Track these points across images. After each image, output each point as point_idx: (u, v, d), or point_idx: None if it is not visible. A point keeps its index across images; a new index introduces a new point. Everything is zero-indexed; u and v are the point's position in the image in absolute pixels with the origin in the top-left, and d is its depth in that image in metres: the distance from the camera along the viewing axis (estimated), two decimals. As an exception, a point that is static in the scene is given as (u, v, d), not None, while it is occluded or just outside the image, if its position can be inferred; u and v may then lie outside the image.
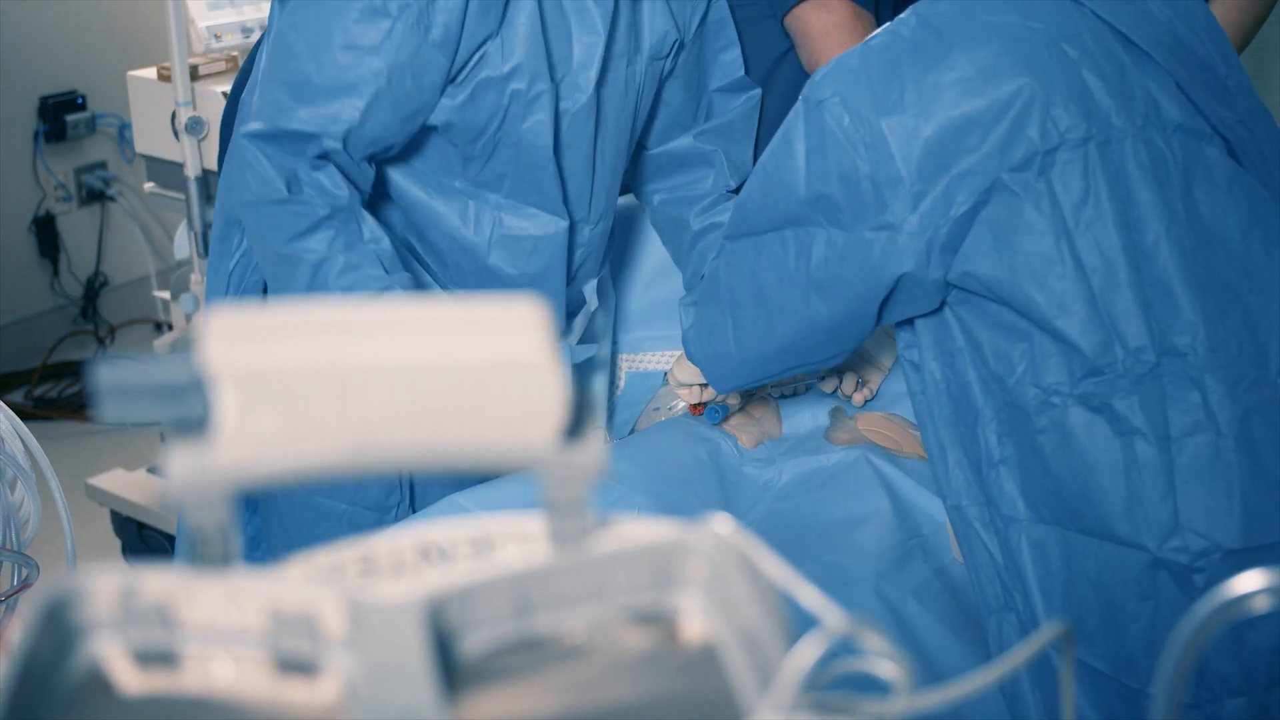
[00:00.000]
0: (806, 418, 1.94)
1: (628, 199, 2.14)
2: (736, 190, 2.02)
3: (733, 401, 1.96)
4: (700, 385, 1.88)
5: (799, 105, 1.53)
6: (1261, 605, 0.68)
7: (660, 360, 2.16)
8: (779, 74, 2.32)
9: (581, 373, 2.02)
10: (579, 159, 1.82)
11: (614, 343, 2.14)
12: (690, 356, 1.76)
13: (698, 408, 1.95)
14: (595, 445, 0.60)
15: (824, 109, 1.48)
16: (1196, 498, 1.37)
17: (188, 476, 0.57)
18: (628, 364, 2.15)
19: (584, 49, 1.76)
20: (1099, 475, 1.42)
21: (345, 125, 1.67)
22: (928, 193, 1.44)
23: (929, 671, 1.54)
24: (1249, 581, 0.68)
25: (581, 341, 2.00)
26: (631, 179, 2.07)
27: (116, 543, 3.06)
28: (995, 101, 1.43)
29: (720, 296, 1.64)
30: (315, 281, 1.69)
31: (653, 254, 2.17)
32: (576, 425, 0.60)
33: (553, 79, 1.74)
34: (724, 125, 2.05)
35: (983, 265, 1.44)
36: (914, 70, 1.45)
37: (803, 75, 2.30)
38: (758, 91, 2.08)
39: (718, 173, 2.04)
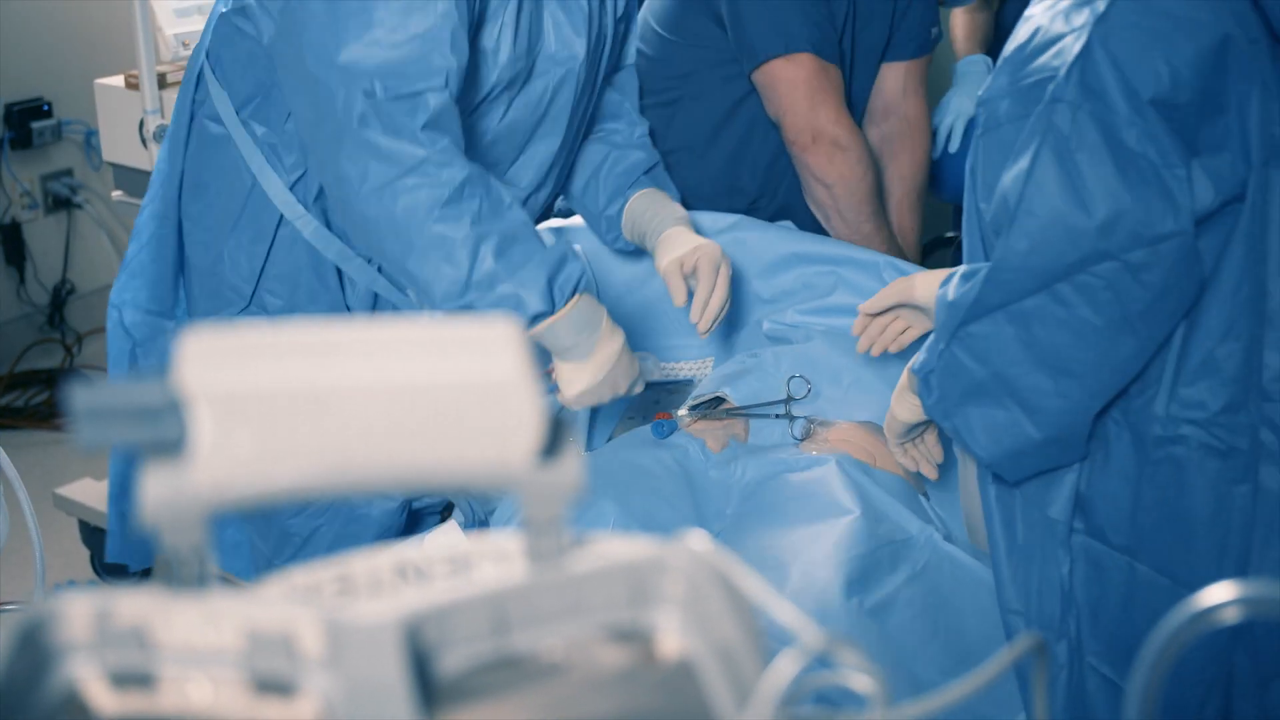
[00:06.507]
0: (776, 433, 1.95)
1: None
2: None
3: (682, 412, 1.96)
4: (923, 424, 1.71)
5: (1037, 127, 1.33)
6: (1232, 616, 0.68)
7: None
8: (734, 120, 2.35)
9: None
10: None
11: None
12: (990, 465, 1.49)
13: (665, 414, 1.96)
14: (571, 464, 0.61)
15: (1083, 112, 1.30)
16: (1259, 547, 1.35)
17: (164, 498, 0.56)
18: None
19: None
20: (1204, 524, 1.36)
21: (444, 72, 1.65)
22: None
23: (899, 680, 1.55)
24: (1220, 593, 0.68)
25: None
26: None
27: (85, 552, 3.04)
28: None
29: (989, 390, 1.41)
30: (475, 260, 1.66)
31: (622, 269, 2.18)
32: (553, 444, 0.60)
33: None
34: (623, 78, 2.10)
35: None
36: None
37: (758, 122, 2.33)
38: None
39: (628, 120, 2.09)
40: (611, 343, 1.77)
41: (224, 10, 1.85)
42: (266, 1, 1.75)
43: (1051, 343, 1.35)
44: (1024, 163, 1.33)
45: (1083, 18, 1.33)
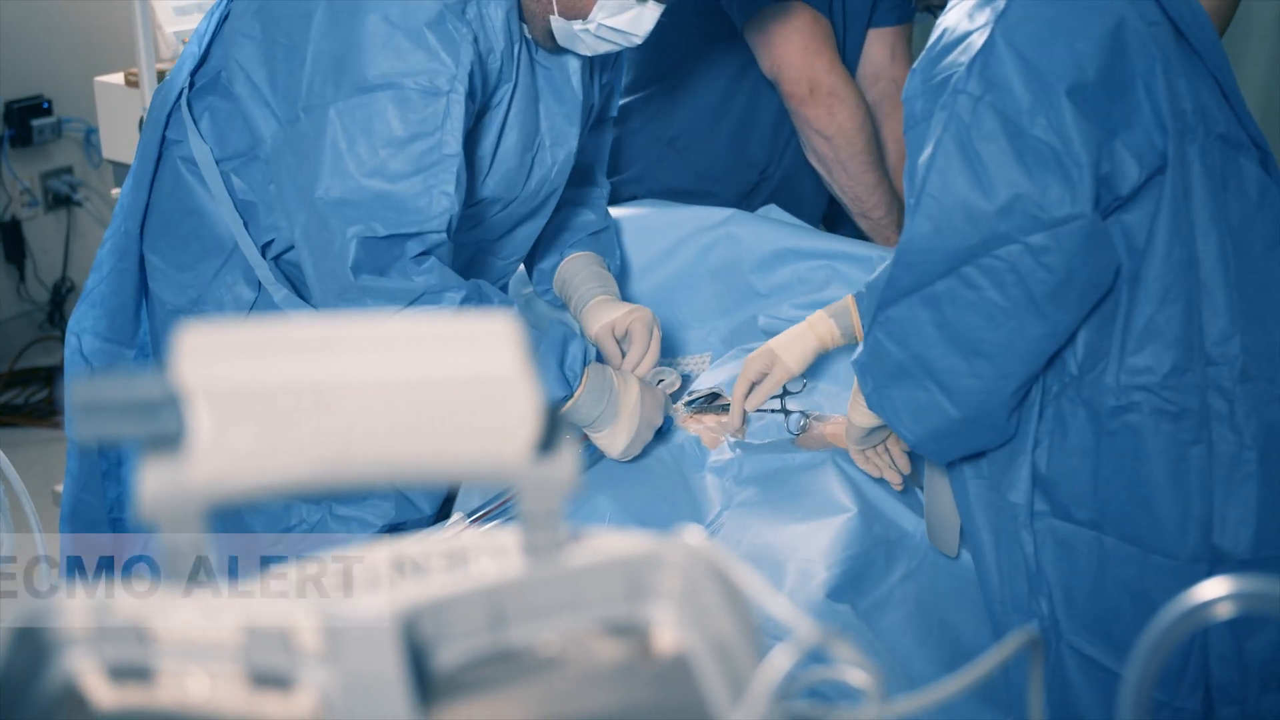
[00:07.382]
0: (773, 428, 1.95)
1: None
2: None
3: (678, 407, 1.97)
4: (880, 427, 1.71)
5: (940, 117, 1.40)
6: (1225, 612, 0.69)
7: None
8: (736, 91, 2.35)
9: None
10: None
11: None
12: (916, 446, 1.56)
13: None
14: (568, 459, 0.61)
15: (984, 103, 1.37)
16: (1219, 509, 1.40)
17: (162, 492, 0.57)
18: None
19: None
20: (1164, 488, 1.41)
21: (447, 215, 1.64)
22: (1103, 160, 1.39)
23: (895, 679, 1.56)
24: (1212, 589, 0.69)
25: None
26: None
27: (84, 550, 3.04)
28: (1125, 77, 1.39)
29: (910, 371, 1.47)
30: None
31: (623, 263, 2.18)
32: (550, 439, 0.61)
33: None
34: (597, 140, 2.09)
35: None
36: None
37: (760, 89, 2.33)
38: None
39: (589, 180, 2.08)
40: (630, 392, 1.80)
41: (196, 59, 1.80)
42: (267, 93, 1.70)
43: (963, 324, 1.41)
44: (927, 150, 1.40)
45: (985, 16, 1.41)
